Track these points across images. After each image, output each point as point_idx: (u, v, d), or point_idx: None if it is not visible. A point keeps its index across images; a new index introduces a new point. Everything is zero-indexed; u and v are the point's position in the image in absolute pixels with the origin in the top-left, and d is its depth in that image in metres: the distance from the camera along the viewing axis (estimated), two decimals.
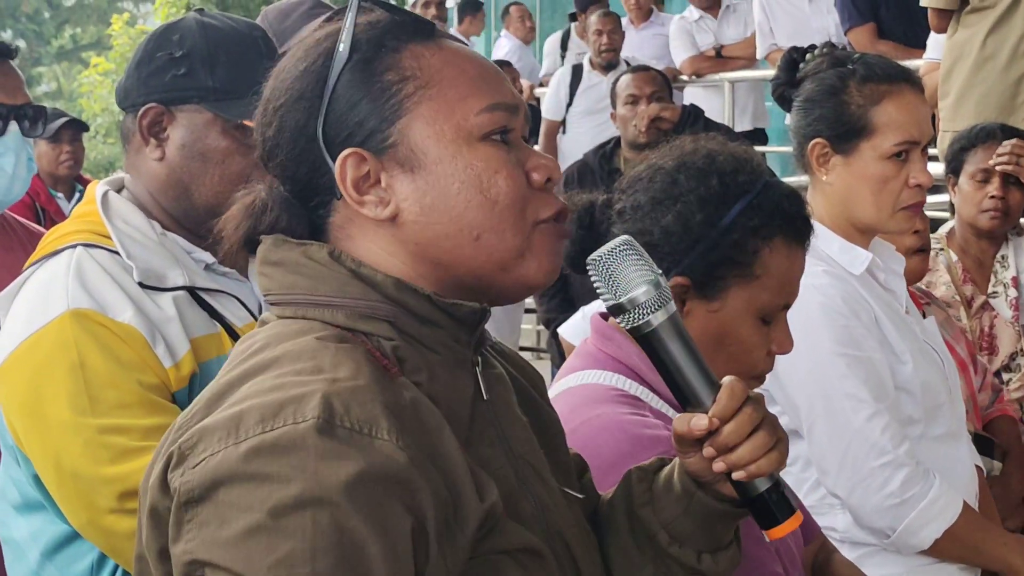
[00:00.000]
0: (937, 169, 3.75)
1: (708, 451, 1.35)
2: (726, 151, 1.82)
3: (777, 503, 1.35)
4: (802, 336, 1.94)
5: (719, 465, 1.34)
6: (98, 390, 1.93)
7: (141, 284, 2.01)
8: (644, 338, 1.35)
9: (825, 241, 2.43)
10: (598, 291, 1.36)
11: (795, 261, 1.78)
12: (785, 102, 2.54)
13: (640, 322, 1.34)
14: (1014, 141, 3.67)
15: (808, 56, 2.50)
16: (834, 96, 2.41)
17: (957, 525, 2.35)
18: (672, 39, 7.88)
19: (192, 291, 2.05)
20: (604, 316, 1.88)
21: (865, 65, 2.43)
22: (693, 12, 7.88)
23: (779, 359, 1.83)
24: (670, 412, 1.76)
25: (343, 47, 1.30)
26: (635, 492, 1.49)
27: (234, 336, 2.06)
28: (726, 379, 1.36)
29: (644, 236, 1.74)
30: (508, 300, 1.35)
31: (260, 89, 2.06)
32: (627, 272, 1.34)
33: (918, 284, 3.25)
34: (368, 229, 1.31)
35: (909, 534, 2.34)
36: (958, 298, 3.76)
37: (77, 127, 6.37)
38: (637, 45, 8.16)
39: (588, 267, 1.36)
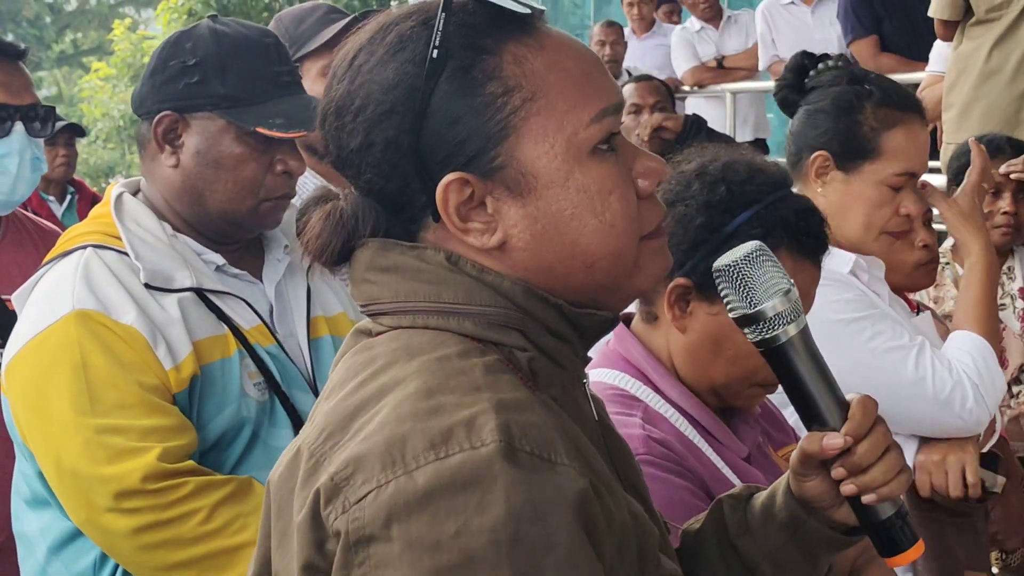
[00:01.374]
0: (939, 180, 3.74)
1: (838, 472, 1.27)
2: (744, 161, 1.82)
3: (901, 529, 1.29)
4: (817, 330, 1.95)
5: (849, 487, 1.26)
6: (99, 390, 1.97)
7: (147, 285, 2.04)
8: (772, 352, 1.28)
9: None
10: (726, 300, 1.29)
11: (801, 275, 1.76)
12: (787, 105, 2.54)
13: (770, 335, 1.27)
14: None
15: (820, 66, 2.51)
16: (849, 114, 2.42)
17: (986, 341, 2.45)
18: (674, 50, 7.91)
19: (200, 293, 2.08)
20: (625, 321, 1.89)
21: (882, 89, 2.43)
22: (695, 23, 7.90)
23: None
24: (668, 413, 1.77)
25: (436, 53, 1.15)
26: (729, 522, 1.40)
27: (240, 338, 2.09)
28: (856, 396, 1.27)
29: None
30: (613, 311, 1.26)
31: (271, 95, 2.09)
32: (762, 281, 1.27)
33: (916, 298, 3.24)
34: (468, 251, 1.19)
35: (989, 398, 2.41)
36: None
37: (73, 131, 6.41)
38: (639, 55, 8.19)
39: (715, 274, 1.29)
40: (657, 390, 1.79)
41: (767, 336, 1.27)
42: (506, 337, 1.17)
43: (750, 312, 1.27)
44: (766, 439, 1.91)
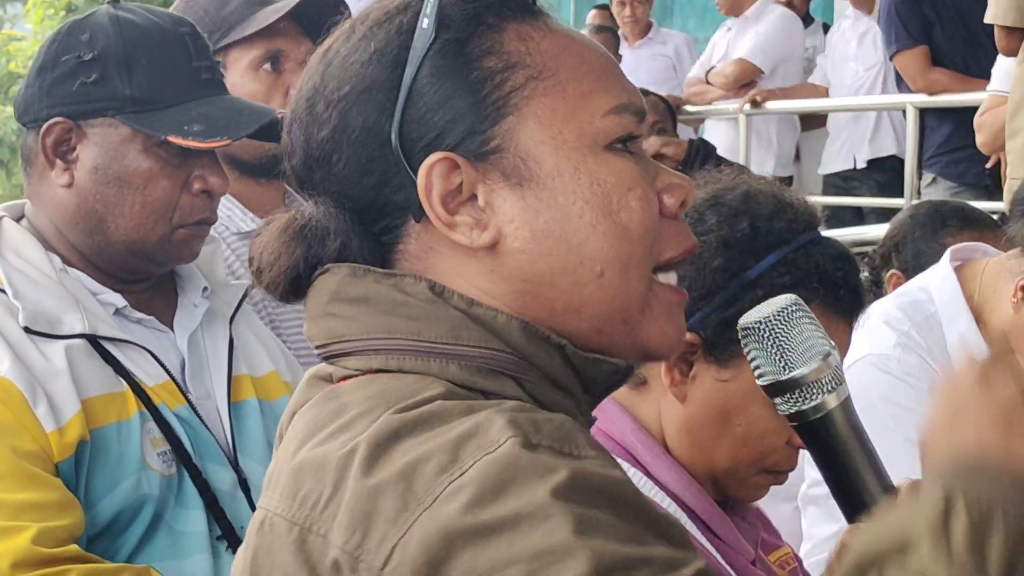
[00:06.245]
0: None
1: None
2: (769, 192, 1.76)
3: None
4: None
5: None
6: None
7: (27, 329, 2.01)
8: (809, 425, 1.29)
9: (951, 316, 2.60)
10: (754, 363, 1.29)
11: (834, 337, 1.69)
12: None
13: (807, 406, 1.28)
14: None
15: None
16: None
17: None
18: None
19: (94, 341, 2.04)
20: None
21: None
22: (733, 20, 7.46)
23: None
24: (661, 501, 1.71)
25: (427, 23, 1.18)
26: None
27: (142, 396, 2.05)
28: (905, 482, 1.26)
29: None
30: (625, 359, 1.25)
31: (187, 97, 2.08)
32: (798, 342, 1.28)
33: None
34: (455, 260, 1.19)
35: None
36: None
37: None
38: (632, 66, 7.68)
39: (743, 333, 1.30)
40: (648, 474, 1.71)
41: (803, 408, 1.29)
42: (497, 385, 1.16)
43: (783, 379, 1.29)
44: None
